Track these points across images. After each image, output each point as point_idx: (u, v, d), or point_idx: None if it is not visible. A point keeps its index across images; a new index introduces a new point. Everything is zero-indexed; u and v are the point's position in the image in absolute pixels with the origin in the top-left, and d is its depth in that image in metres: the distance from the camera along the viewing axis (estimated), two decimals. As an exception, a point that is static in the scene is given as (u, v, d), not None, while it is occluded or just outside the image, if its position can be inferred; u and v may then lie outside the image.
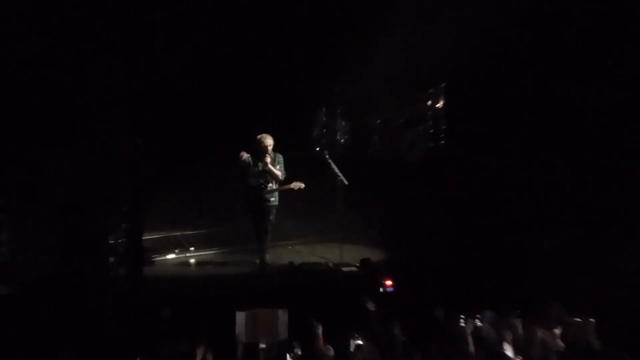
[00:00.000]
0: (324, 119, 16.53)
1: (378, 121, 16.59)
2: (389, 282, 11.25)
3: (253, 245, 13.19)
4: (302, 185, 12.57)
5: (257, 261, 12.85)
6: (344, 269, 12.51)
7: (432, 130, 15.77)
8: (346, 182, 12.94)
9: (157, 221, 13.75)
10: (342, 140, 16.56)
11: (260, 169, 12.59)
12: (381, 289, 11.19)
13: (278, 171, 12.53)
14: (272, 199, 12.65)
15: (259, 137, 12.62)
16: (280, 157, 12.62)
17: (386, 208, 15.20)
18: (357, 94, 15.66)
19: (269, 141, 12.50)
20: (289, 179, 12.82)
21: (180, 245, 14.14)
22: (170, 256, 13.68)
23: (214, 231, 14.83)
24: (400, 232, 14.18)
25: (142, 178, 11.16)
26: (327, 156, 13.37)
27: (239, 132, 13.60)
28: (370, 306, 9.72)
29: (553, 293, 10.00)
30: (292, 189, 12.68)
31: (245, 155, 12.43)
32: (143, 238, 11.70)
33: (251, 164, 12.47)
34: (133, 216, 11.27)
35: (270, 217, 12.63)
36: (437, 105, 15.60)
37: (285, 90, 14.88)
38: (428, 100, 15.77)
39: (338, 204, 12.90)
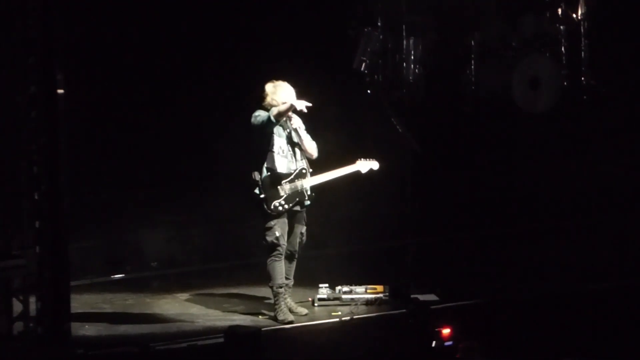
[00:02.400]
0: (379, 40, 14.45)
1: (473, 42, 14.43)
2: (446, 331, 9.24)
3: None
4: (376, 166, 10.39)
5: (282, 313, 10.10)
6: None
7: (566, 59, 14.11)
8: (418, 149, 12.04)
9: (92, 215, 11.96)
10: (411, 78, 14.50)
11: (284, 144, 10.15)
12: (434, 343, 9.15)
13: (312, 142, 10.31)
14: (311, 195, 10.42)
15: (271, 85, 10.04)
16: (299, 120, 10.50)
17: (476, 191, 13.00)
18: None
19: (290, 92, 10.03)
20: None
21: (144, 258, 12.13)
22: (117, 276, 11.88)
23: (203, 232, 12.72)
24: (488, 239, 12.00)
25: (66, 143, 8.95)
26: (385, 105, 12.98)
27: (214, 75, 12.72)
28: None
29: None
30: (359, 172, 10.39)
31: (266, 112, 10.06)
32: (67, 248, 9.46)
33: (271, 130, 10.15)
34: (51, 205, 8.88)
35: (304, 229, 10.33)
36: (574, 15, 14.09)
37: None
38: (559, 7, 14.10)
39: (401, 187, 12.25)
